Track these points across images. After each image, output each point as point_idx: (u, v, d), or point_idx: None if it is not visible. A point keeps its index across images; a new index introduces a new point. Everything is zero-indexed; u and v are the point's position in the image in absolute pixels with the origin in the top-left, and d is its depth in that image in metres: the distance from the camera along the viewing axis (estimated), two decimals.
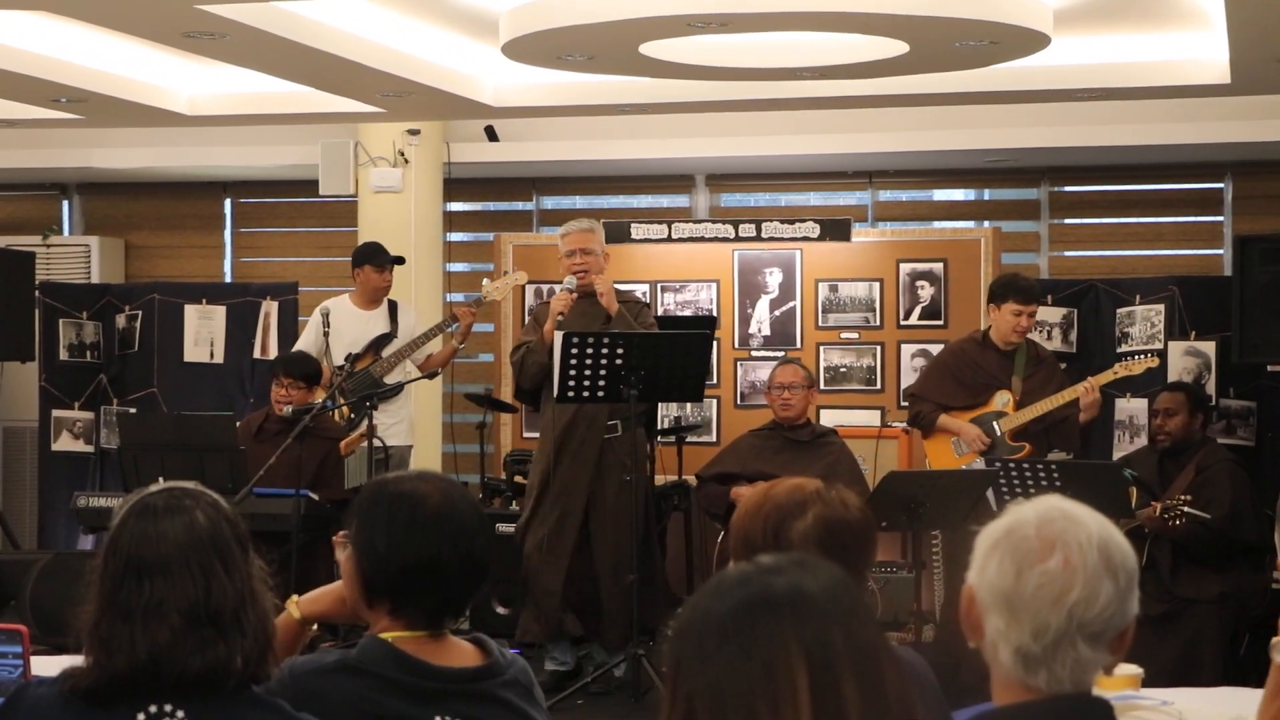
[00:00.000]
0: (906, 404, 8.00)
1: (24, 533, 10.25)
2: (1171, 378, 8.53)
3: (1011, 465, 6.95)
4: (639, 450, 7.33)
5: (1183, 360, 8.74)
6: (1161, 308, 8.93)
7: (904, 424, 8.40)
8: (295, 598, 3.07)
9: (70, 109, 8.94)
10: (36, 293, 9.93)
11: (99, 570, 2.57)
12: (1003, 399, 7.67)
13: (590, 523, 7.34)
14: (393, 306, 8.63)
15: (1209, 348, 8.67)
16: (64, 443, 10.32)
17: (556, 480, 7.32)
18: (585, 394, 7.00)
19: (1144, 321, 8.99)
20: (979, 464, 7.50)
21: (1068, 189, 10.81)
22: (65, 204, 11.93)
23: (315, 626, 3.13)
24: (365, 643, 2.85)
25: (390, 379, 8.30)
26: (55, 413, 10.30)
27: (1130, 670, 3.79)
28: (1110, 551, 2.14)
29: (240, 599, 2.56)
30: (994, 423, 7.66)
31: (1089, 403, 7.45)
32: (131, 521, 2.58)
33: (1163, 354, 8.81)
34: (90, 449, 10.32)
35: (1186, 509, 7.02)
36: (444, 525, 2.85)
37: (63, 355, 10.26)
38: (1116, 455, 8.69)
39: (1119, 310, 9.11)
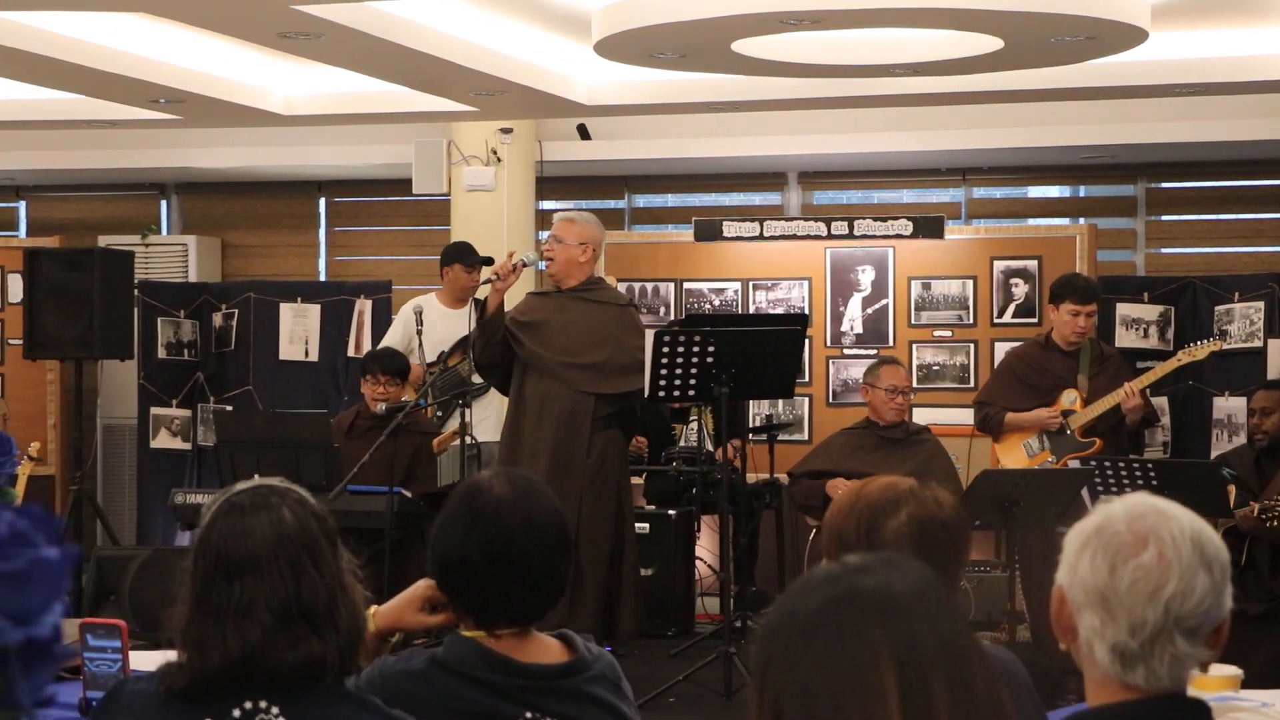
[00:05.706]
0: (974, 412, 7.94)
1: (123, 529, 10.38)
2: (1271, 375, 8.42)
3: (1107, 464, 6.89)
4: (611, 450, 7.26)
5: None
6: (1261, 305, 8.81)
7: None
8: (374, 609, 3.02)
9: (168, 110, 9.05)
10: (135, 292, 10.05)
11: (189, 570, 2.58)
12: (1070, 397, 7.61)
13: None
14: (479, 305, 8.65)
15: None
16: (162, 440, 10.45)
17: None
18: (676, 392, 6.98)
19: (1243, 319, 8.87)
20: (1073, 464, 7.43)
21: (1165, 185, 10.67)
22: (164, 204, 12.05)
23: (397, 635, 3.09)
24: (452, 641, 2.85)
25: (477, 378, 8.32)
26: (154, 410, 10.43)
27: (1229, 671, 3.73)
28: (1204, 544, 2.11)
29: (331, 594, 2.56)
30: (1063, 420, 7.60)
31: (1130, 406, 7.45)
32: (219, 521, 2.58)
33: (1262, 352, 8.69)
34: (188, 446, 10.44)
35: None
36: (510, 518, 2.82)
37: (161, 353, 10.39)
38: (1214, 454, 8.58)
39: (1217, 308, 9.00)
